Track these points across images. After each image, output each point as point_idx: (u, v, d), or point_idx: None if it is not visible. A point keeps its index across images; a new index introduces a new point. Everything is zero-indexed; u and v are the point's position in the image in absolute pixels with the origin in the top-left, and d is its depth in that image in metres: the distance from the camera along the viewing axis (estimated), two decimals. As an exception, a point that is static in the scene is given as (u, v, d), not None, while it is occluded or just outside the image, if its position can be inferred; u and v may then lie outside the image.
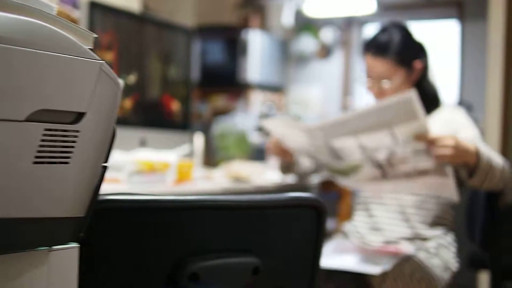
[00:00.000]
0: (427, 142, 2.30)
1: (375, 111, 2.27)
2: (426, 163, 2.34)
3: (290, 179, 2.91)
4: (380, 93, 2.74)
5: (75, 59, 0.88)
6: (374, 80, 2.75)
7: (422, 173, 2.39)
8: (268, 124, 2.69)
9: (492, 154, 2.43)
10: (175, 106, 3.08)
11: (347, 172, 2.52)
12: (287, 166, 2.84)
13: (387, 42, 2.72)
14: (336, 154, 2.44)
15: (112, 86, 0.94)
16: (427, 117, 2.27)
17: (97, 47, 2.63)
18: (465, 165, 2.39)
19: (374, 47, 2.75)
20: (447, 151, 2.28)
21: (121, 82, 0.95)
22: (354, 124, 2.31)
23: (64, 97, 0.87)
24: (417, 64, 2.72)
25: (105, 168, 0.98)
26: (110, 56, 2.70)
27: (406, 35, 2.76)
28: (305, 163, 2.87)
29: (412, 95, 2.20)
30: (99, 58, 0.92)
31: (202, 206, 1.14)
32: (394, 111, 2.24)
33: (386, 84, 2.71)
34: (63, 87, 0.87)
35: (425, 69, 2.76)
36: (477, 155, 2.36)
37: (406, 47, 2.73)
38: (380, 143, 2.34)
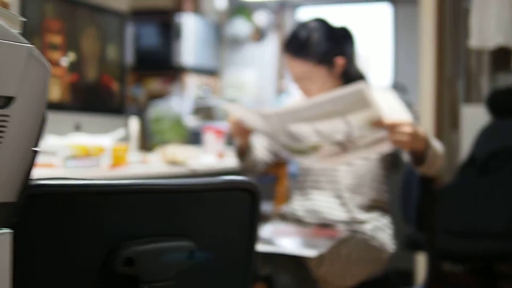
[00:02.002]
0: (385, 128, 2.31)
1: (326, 102, 2.26)
2: (383, 132, 2.34)
3: (239, 166, 2.87)
4: (305, 91, 2.73)
5: (3, 43, 0.86)
6: (297, 80, 2.73)
7: (380, 139, 2.39)
8: (227, 107, 2.66)
9: (433, 141, 2.46)
10: (114, 87, 3.07)
11: (307, 151, 2.51)
12: (244, 150, 2.77)
13: (306, 42, 2.65)
14: (293, 136, 2.44)
15: (42, 70, 0.93)
16: (379, 102, 2.26)
17: (46, 30, 2.60)
18: (414, 151, 2.41)
19: (292, 47, 2.69)
20: (405, 138, 2.28)
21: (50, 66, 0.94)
22: (307, 113, 2.31)
23: (-8, 81, 0.85)
24: (339, 61, 2.68)
25: (36, 152, 0.96)
26: (58, 39, 2.68)
27: (326, 31, 2.69)
28: (258, 151, 2.85)
29: (363, 87, 2.19)
30: (27, 42, 0.90)
31: (135, 190, 1.13)
32: (345, 101, 2.23)
33: (308, 85, 2.70)
34: (-9, 71, 0.85)
35: (349, 59, 2.73)
36: (426, 143, 2.38)
37: (326, 46, 2.66)
38: (335, 129, 2.33)
